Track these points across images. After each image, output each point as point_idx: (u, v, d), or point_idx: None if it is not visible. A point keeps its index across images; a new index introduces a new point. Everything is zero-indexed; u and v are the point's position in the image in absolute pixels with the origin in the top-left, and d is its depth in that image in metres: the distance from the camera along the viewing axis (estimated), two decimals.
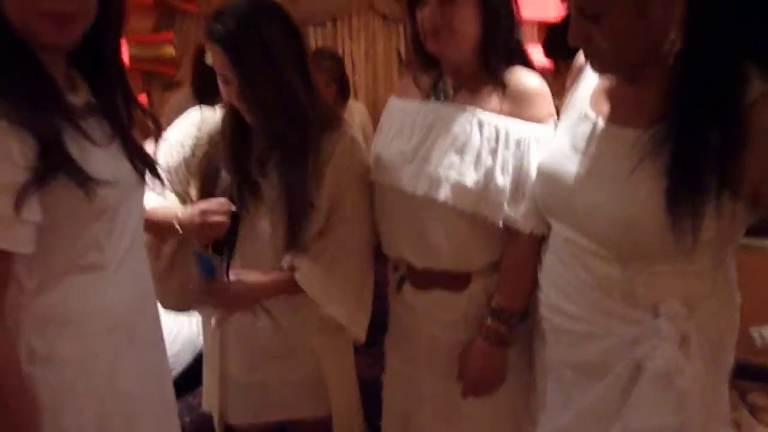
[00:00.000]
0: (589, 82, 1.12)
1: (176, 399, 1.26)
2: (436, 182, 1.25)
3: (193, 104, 2.41)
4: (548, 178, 1.12)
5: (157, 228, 1.31)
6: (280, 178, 1.34)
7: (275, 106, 1.30)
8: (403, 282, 1.40)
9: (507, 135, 1.23)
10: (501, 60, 1.26)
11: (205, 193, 1.39)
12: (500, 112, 1.25)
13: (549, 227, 1.20)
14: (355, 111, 3.12)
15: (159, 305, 1.23)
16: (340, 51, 4.10)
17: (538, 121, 1.24)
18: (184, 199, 1.43)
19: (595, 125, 1.05)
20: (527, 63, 1.30)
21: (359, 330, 1.41)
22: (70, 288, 0.98)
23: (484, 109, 1.26)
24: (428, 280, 1.34)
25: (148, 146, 1.18)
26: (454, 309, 1.34)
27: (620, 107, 1.04)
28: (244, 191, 1.35)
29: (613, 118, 1.04)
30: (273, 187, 1.35)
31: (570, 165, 1.06)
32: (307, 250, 1.35)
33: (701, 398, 1.00)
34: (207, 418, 1.61)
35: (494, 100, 1.26)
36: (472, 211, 1.23)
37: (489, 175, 1.22)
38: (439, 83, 1.34)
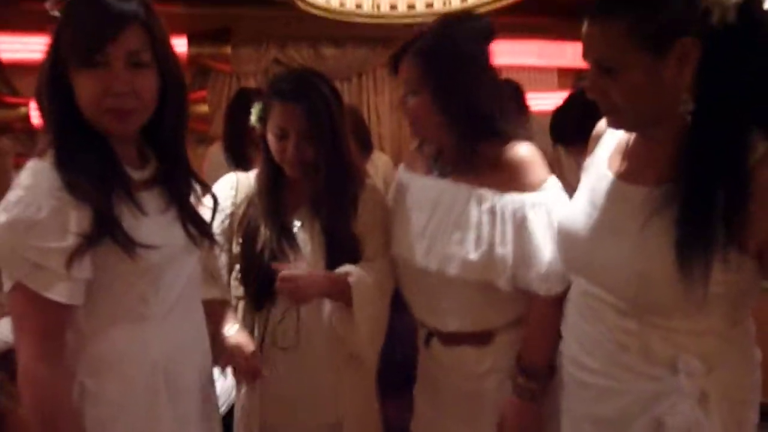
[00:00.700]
0: (607, 144, 1.18)
1: None
2: (445, 259, 1.33)
3: (226, 156, 2.59)
4: (567, 234, 1.17)
5: None
6: (322, 228, 1.46)
7: (337, 165, 1.45)
8: (431, 339, 1.47)
9: (503, 209, 1.30)
10: (481, 138, 1.34)
11: (248, 248, 1.49)
12: (496, 186, 1.32)
13: (567, 285, 1.25)
14: (379, 163, 3.22)
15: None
16: (365, 104, 4.26)
17: (533, 188, 1.31)
18: (230, 256, 1.53)
19: (609, 183, 1.11)
20: (514, 130, 1.36)
21: (373, 355, 1.49)
22: (117, 335, 1.11)
23: (481, 184, 1.33)
24: (454, 339, 1.41)
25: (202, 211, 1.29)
26: (480, 362, 1.39)
27: (633, 166, 1.09)
28: (283, 243, 1.45)
29: (626, 176, 1.09)
30: (309, 238, 1.46)
31: (587, 221, 1.11)
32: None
33: None
34: None
35: (489, 175, 1.33)
36: (481, 281, 1.31)
37: (491, 248, 1.30)
38: (438, 159, 1.44)
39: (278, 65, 4.06)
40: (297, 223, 1.50)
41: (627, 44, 0.96)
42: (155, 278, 1.13)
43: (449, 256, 1.33)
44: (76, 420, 1.06)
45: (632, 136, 1.12)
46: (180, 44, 3.70)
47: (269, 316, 1.46)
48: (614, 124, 1.08)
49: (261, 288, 1.47)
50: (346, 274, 1.42)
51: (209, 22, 3.73)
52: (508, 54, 4.52)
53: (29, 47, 3.50)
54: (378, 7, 3.02)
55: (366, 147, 3.15)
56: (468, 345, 1.40)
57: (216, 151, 2.88)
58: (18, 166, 3.69)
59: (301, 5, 2.90)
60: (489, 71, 1.37)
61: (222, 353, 1.41)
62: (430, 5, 3.01)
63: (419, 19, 2.97)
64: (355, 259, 1.48)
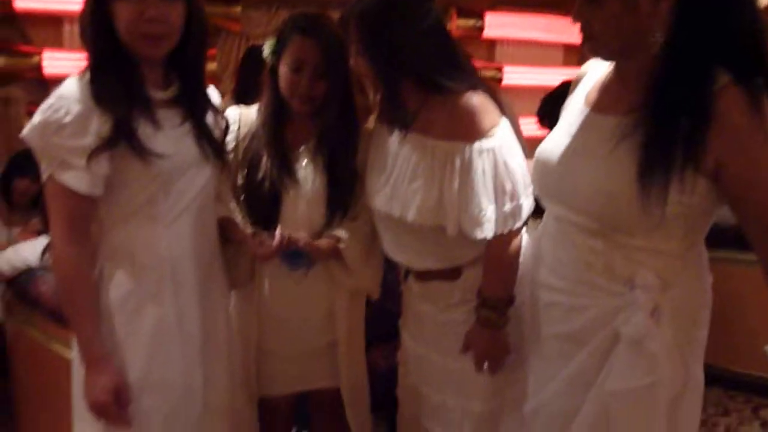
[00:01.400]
0: (585, 85, 1.28)
1: None
2: (405, 206, 1.43)
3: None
4: (542, 163, 1.26)
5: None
6: (325, 164, 1.56)
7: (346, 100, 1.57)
8: (408, 275, 1.60)
9: (453, 157, 1.38)
10: (443, 90, 1.40)
11: (250, 178, 1.58)
12: (447, 136, 1.39)
13: (508, 227, 1.39)
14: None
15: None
16: None
17: (482, 135, 1.38)
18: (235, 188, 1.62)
19: (584, 115, 1.21)
20: (474, 83, 1.42)
21: (377, 290, 1.66)
22: (131, 230, 1.31)
23: (434, 135, 1.40)
24: (426, 276, 1.53)
25: None
26: (450, 295, 1.51)
27: (606, 98, 1.19)
28: (283, 175, 1.55)
29: (599, 108, 1.19)
30: (312, 172, 1.56)
31: (561, 150, 1.21)
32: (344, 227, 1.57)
33: (670, 364, 1.10)
34: None
35: (442, 125, 1.40)
36: (436, 225, 1.41)
37: (441, 194, 1.39)
38: (398, 111, 1.47)
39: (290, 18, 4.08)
40: (302, 159, 1.59)
41: None
42: (165, 184, 1.30)
43: (408, 202, 1.42)
44: (93, 295, 1.28)
45: (608, 73, 1.21)
46: None
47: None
48: (591, 51, 1.17)
49: (262, 216, 1.56)
50: (337, 240, 1.54)
51: None
52: (514, 27, 4.57)
53: None
54: None
55: (366, 112, 3.23)
56: (439, 280, 1.51)
57: (225, 107, 2.95)
58: (30, 115, 3.77)
59: None
60: (429, 28, 1.41)
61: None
62: None
63: None
64: (354, 196, 1.59)
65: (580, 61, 1.37)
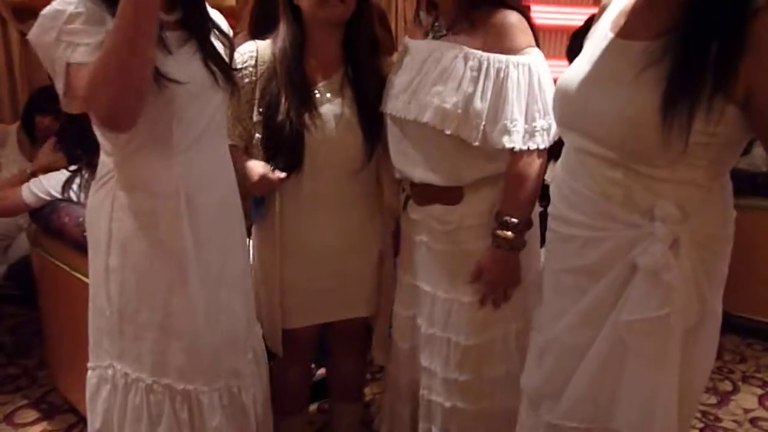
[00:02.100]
0: (611, 11, 1.21)
1: None
2: (423, 107, 1.42)
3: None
4: (564, 90, 1.21)
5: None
6: (356, 95, 1.56)
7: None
8: (408, 200, 1.58)
9: (488, 66, 1.38)
10: (485, 3, 1.43)
11: (269, 119, 1.55)
12: (483, 47, 1.39)
13: (537, 143, 1.40)
14: None
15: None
16: (393, 9, 4.21)
17: (517, 50, 1.39)
18: (246, 126, 1.61)
19: (609, 41, 1.15)
20: (512, 4, 1.44)
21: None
22: (145, 158, 1.30)
23: (470, 45, 1.41)
24: (427, 195, 1.52)
25: None
26: (449, 221, 1.50)
27: (632, 23, 1.13)
28: (305, 115, 1.53)
29: (625, 33, 1.13)
30: (339, 106, 1.55)
31: (584, 76, 1.16)
32: None
33: (687, 295, 1.08)
34: None
35: (479, 37, 1.42)
36: (454, 133, 1.39)
37: (468, 100, 1.38)
38: (435, 24, 1.50)
39: None
40: (324, 95, 1.56)
41: None
42: (178, 111, 1.28)
43: (427, 103, 1.42)
44: None
45: None
46: None
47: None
48: None
49: (286, 160, 1.54)
50: None
51: None
52: None
53: None
54: None
55: (389, 50, 3.15)
56: (438, 203, 1.50)
57: (239, 42, 2.90)
58: None
59: None
60: None
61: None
62: None
63: None
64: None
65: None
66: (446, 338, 1.52)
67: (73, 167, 2.13)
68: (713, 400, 2.50)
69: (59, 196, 2.10)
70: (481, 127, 1.38)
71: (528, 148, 1.40)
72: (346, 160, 1.58)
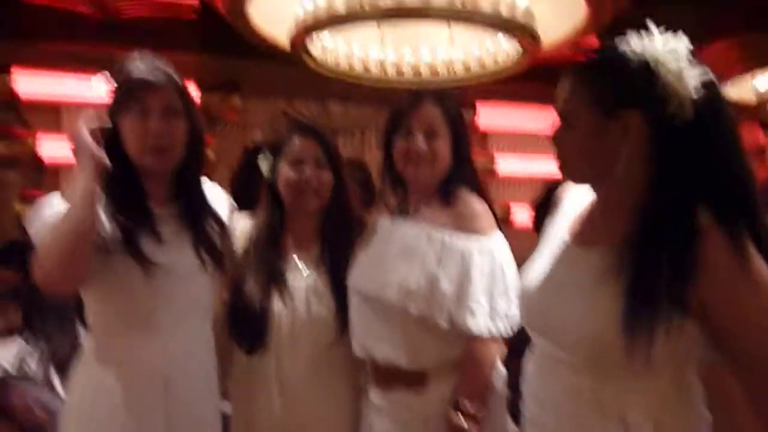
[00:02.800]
0: (568, 211, 1.24)
1: None
2: (386, 284, 1.42)
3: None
4: (527, 295, 1.22)
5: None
6: (329, 269, 1.55)
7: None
8: (369, 385, 1.52)
9: (452, 247, 1.40)
10: (458, 186, 1.49)
11: (236, 296, 1.54)
12: (449, 227, 1.43)
13: (499, 329, 1.41)
14: None
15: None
16: (367, 158, 4.37)
17: (482, 234, 1.43)
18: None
19: (566, 247, 1.17)
20: (479, 190, 1.53)
21: None
22: (124, 338, 1.33)
23: (436, 224, 1.44)
24: (389, 379, 1.46)
25: None
26: (412, 409, 1.44)
27: (588, 231, 1.15)
28: (272, 287, 1.52)
29: (580, 240, 1.15)
30: (315, 282, 1.54)
31: (544, 283, 1.17)
32: None
33: None
34: None
35: (444, 219, 1.46)
36: (419, 314, 1.38)
37: (433, 280, 1.38)
38: (401, 204, 1.55)
39: (286, 118, 4.18)
40: (300, 267, 1.56)
41: (584, 101, 1.06)
42: (161, 292, 1.33)
43: (390, 281, 1.42)
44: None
45: (590, 204, 1.18)
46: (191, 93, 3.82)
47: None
48: (565, 174, 1.15)
49: (249, 336, 1.51)
50: None
51: (220, 72, 3.87)
52: (506, 118, 4.68)
53: (44, 85, 3.64)
54: (385, 71, 3.16)
55: (370, 200, 3.22)
56: (402, 389, 1.44)
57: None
58: (24, 199, 3.76)
59: (312, 65, 3.04)
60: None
61: None
62: (435, 73, 3.16)
63: (423, 86, 3.11)
64: None
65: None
66: None
67: (24, 339, 2.02)
68: None
69: (11, 370, 1.97)
70: (446, 308, 1.38)
71: (490, 334, 1.39)
72: (316, 334, 1.52)
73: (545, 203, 2.34)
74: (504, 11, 2.59)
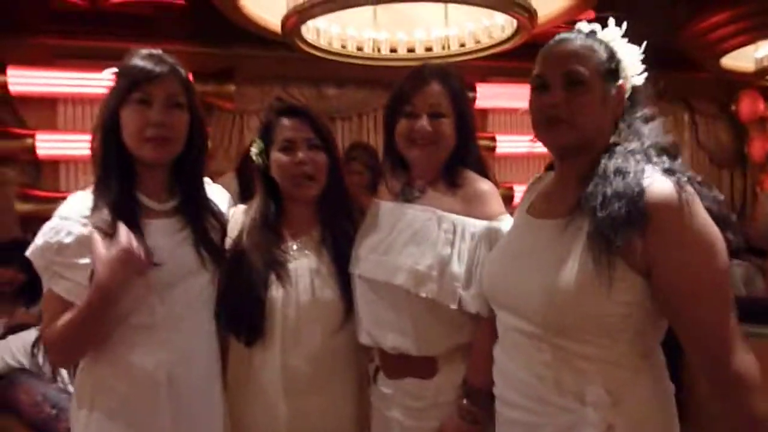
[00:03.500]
0: (530, 196, 1.31)
1: None
2: (394, 269, 1.39)
3: (236, 187, 2.63)
4: (490, 269, 1.27)
5: None
6: (332, 253, 1.51)
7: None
8: (378, 372, 1.49)
9: (463, 229, 1.38)
10: (463, 166, 1.46)
11: (234, 282, 1.46)
12: (459, 212, 1.40)
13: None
14: None
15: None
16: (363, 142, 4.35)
17: (492, 217, 1.40)
18: None
19: (526, 221, 1.25)
20: (483, 170, 1.50)
21: None
22: (127, 338, 1.31)
23: (444, 209, 1.42)
24: (399, 367, 1.43)
25: None
26: (423, 397, 1.41)
27: (546, 205, 1.23)
28: (270, 275, 1.46)
29: (539, 214, 1.22)
30: (317, 266, 1.49)
31: (506, 256, 1.24)
32: None
33: None
34: None
35: (452, 201, 1.43)
36: (429, 296, 1.35)
37: (445, 263, 1.35)
38: (406, 187, 1.50)
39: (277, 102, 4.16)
40: (296, 250, 1.52)
41: (594, 66, 1.15)
42: (162, 292, 1.32)
43: (399, 266, 1.39)
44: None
45: (549, 182, 1.26)
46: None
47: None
48: (562, 135, 1.16)
49: (250, 324, 1.45)
50: None
51: (214, 61, 3.84)
52: (505, 97, 4.64)
53: (37, 81, 3.60)
54: (378, 50, 3.13)
55: (375, 184, 3.21)
56: (411, 376, 1.42)
57: (227, 181, 2.91)
58: (21, 197, 3.75)
59: (302, 47, 3.00)
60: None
61: None
62: (429, 49, 3.13)
63: (418, 63, 3.09)
64: None
65: None
66: None
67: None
68: None
69: (22, 365, 1.98)
70: (458, 291, 1.36)
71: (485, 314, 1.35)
72: (324, 319, 1.48)
73: None
74: None
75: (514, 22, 2.85)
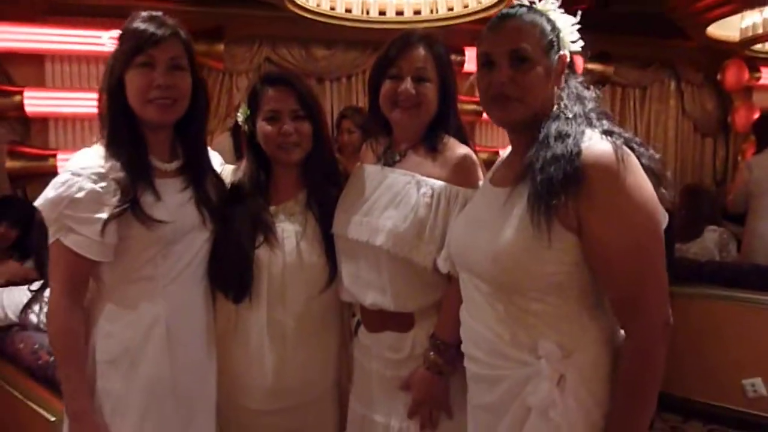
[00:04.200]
0: (493, 168, 1.38)
1: None
2: (375, 230, 1.45)
3: (230, 146, 2.66)
4: (455, 234, 1.35)
5: None
6: (317, 216, 1.57)
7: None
8: (359, 326, 1.59)
9: (440, 194, 1.43)
10: (444, 132, 1.51)
11: (224, 240, 1.52)
12: (439, 177, 1.46)
13: None
14: None
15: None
16: (353, 104, 4.36)
17: (466, 184, 1.45)
18: None
19: (484, 188, 1.34)
20: (463, 137, 1.54)
21: None
22: (130, 289, 1.39)
23: (423, 173, 1.47)
24: (378, 322, 1.52)
25: None
26: (401, 348, 1.50)
27: (502, 172, 1.30)
28: (258, 235, 1.52)
29: (495, 182, 1.30)
30: (303, 229, 1.55)
31: (469, 222, 1.31)
32: None
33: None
34: None
35: (432, 166, 1.48)
36: (407, 257, 1.42)
37: (422, 226, 1.42)
38: (387, 149, 1.56)
39: (270, 64, 4.15)
40: (282, 213, 1.57)
41: (537, 41, 1.19)
42: (165, 247, 1.39)
43: (379, 227, 1.45)
44: (82, 350, 1.35)
45: (507, 152, 1.33)
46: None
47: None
48: (513, 112, 1.20)
49: (239, 281, 1.51)
50: None
51: (203, 20, 3.80)
52: None
53: (24, 37, 3.57)
54: (367, 12, 3.13)
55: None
56: (390, 330, 1.51)
57: (223, 140, 2.95)
58: (11, 153, 3.73)
59: (291, 7, 2.99)
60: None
61: None
62: (417, 12, 3.13)
63: (406, 26, 3.09)
64: None
65: None
66: None
67: (35, 287, 2.09)
68: None
69: (15, 320, 2.05)
70: (433, 253, 1.43)
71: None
72: (309, 280, 1.54)
73: None
74: None
75: None
